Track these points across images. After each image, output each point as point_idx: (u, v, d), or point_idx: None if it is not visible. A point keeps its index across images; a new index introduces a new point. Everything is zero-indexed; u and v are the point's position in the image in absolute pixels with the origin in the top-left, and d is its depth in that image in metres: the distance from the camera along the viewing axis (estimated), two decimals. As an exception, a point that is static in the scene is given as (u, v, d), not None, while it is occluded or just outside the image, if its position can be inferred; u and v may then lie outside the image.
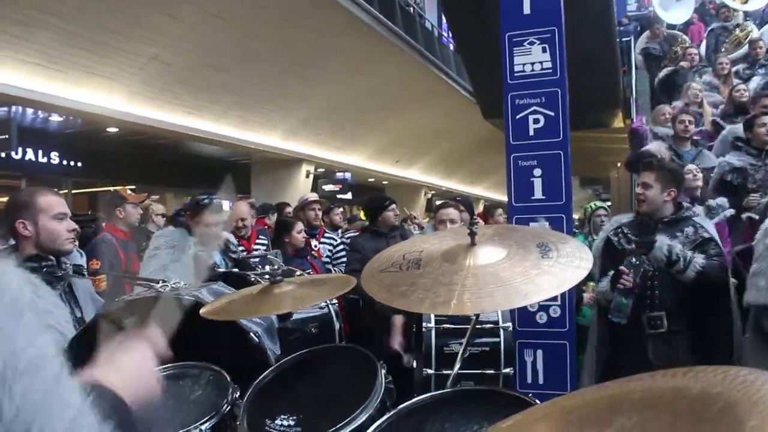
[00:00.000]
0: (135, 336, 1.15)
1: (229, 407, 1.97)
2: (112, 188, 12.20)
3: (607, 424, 0.80)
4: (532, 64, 3.66)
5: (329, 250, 5.89)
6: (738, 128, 5.34)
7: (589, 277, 3.07)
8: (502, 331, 2.98)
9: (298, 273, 3.17)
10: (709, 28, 10.61)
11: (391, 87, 14.58)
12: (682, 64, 8.86)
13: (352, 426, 1.83)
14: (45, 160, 12.92)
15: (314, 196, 6.79)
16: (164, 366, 1.94)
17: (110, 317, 1.26)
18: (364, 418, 1.85)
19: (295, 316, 3.13)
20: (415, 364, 3.14)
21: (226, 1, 9.55)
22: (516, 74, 3.69)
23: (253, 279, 3.19)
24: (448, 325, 2.98)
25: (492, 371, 2.92)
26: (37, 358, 0.76)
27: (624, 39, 11.00)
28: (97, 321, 2.40)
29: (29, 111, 11.10)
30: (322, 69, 12.33)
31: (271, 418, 2.00)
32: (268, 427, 1.98)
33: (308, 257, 5.15)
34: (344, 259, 5.36)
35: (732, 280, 3.51)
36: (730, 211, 4.45)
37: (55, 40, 8.54)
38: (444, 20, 15.02)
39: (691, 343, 3.33)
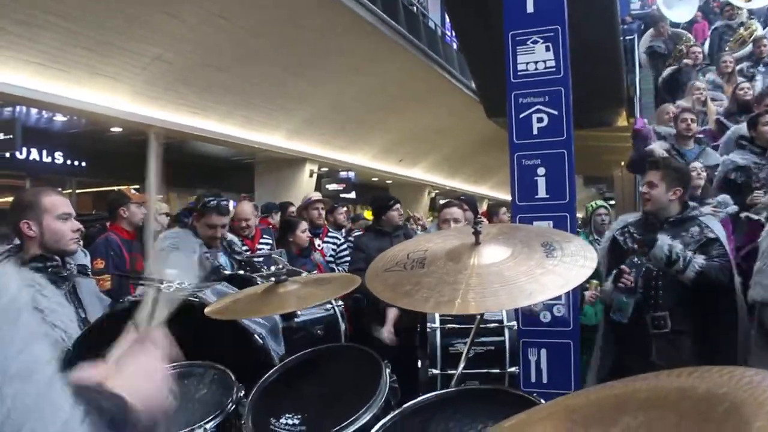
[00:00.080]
0: (141, 339, 1.14)
1: (233, 406, 1.97)
2: (116, 188, 12.25)
3: (612, 424, 0.80)
4: (536, 62, 3.65)
5: (333, 250, 5.90)
6: (743, 128, 5.32)
7: (591, 275, 3.06)
8: (507, 331, 2.98)
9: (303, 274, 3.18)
10: (713, 27, 10.58)
11: (394, 86, 14.58)
12: (686, 61, 8.83)
13: (357, 425, 1.83)
14: (49, 160, 12.95)
15: (317, 196, 6.80)
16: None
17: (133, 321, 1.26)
18: (368, 418, 1.85)
19: (301, 318, 3.13)
20: (420, 364, 3.13)
21: (227, 1, 9.56)
22: (519, 73, 3.69)
23: (259, 282, 3.19)
24: (453, 325, 2.98)
25: (497, 370, 2.92)
26: (31, 362, 0.75)
27: (627, 37, 10.96)
28: (103, 321, 2.41)
29: (33, 111, 11.13)
30: (326, 69, 12.32)
31: (275, 417, 2.00)
32: (273, 426, 1.98)
33: (311, 256, 5.15)
34: (348, 259, 5.36)
35: (738, 279, 3.49)
36: (733, 208, 4.43)
37: (58, 39, 8.55)
38: (447, 19, 15.01)
39: (695, 344, 3.32)
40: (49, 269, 2.40)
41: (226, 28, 10.02)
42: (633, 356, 3.36)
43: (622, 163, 11.17)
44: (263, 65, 11.45)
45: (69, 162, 13.41)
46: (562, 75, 3.62)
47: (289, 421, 1.99)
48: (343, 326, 3.30)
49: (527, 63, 3.67)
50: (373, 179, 21.52)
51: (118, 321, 1.39)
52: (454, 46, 16.94)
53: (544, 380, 3.62)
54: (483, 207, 12.43)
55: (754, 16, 10.22)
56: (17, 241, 2.47)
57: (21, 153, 11.49)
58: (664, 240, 3.24)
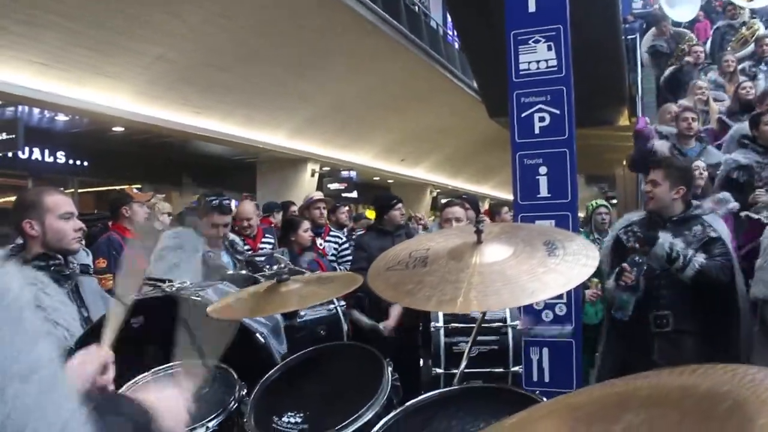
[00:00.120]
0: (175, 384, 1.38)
1: (236, 404, 1.98)
2: (118, 187, 12.28)
3: (614, 421, 0.80)
4: (538, 62, 3.65)
5: (335, 249, 5.91)
6: (745, 127, 5.32)
7: (592, 274, 3.06)
8: (510, 330, 2.98)
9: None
10: (715, 26, 10.56)
11: (396, 86, 14.58)
12: (687, 59, 8.82)
13: (359, 423, 1.84)
14: (51, 159, 12.97)
15: (319, 195, 6.80)
16: (171, 363, 1.95)
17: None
18: (370, 416, 1.85)
19: (304, 318, 3.14)
20: (422, 363, 3.13)
21: (228, 1, 9.56)
22: (521, 72, 3.69)
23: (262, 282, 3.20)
24: (456, 324, 2.98)
25: (501, 369, 2.92)
26: (32, 361, 0.75)
27: (629, 36, 10.95)
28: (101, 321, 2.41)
29: (35, 111, 11.15)
30: (327, 68, 12.33)
31: (278, 415, 2.01)
32: (275, 424, 1.99)
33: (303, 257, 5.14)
34: (350, 258, 5.36)
35: (740, 277, 3.49)
36: (735, 205, 4.43)
37: (60, 39, 8.57)
38: (449, 19, 14.99)
39: (697, 343, 3.32)
40: (52, 268, 2.40)
41: (228, 27, 10.03)
42: (635, 355, 3.35)
43: (624, 162, 11.16)
44: (265, 65, 11.46)
45: (71, 162, 13.42)
46: (564, 74, 3.62)
47: (292, 420, 1.99)
48: (345, 326, 3.31)
49: (529, 62, 3.67)
50: (375, 179, 21.53)
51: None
52: (456, 45, 16.94)
53: (546, 379, 3.62)
54: (485, 206, 12.41)
55: (757, 16, 10.20)
56: (20, 241, 2.47)
57: (23, 153, 11.52)
58: (665, 238, 3.23)
